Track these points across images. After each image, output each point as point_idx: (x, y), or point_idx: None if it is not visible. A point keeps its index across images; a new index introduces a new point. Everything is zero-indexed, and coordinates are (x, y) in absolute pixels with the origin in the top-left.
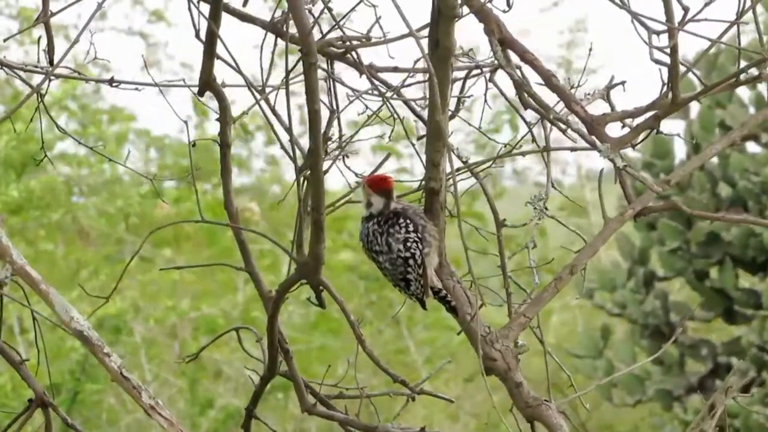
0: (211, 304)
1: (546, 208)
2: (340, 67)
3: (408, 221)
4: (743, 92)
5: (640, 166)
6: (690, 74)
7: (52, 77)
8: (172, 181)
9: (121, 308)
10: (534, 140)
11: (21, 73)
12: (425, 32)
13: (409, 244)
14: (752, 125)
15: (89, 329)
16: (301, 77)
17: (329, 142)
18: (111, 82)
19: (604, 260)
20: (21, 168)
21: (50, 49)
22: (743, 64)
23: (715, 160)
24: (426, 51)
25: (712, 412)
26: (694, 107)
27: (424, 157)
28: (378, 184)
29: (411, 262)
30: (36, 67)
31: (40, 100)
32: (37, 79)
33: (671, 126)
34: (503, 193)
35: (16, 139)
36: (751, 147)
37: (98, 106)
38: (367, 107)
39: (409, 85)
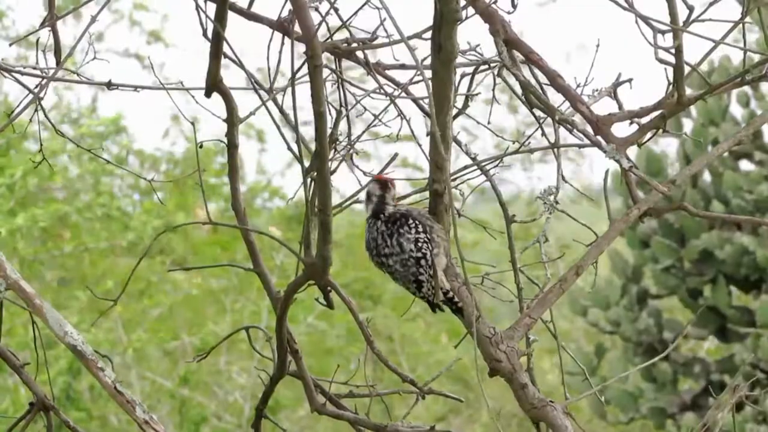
0: (193, 333)
1: (556, 203)
2: (346, 64)
3: (417, 222)
4: (736, 110)
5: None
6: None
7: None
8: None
9: (96, 339)
10: (544, 134)
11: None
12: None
13: (420, 244)
14: (759, 125)
15: (83, 344)
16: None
17: (337, 142)
18: (109, 84)
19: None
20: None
21: (57, 51)
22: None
23: (708, 178)
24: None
25: (704, 429)
26: (687, 125)
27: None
28: (378, 178)
29: (423, 262)
30: (34, 69)
31: (38, 103)
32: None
33: (665, 143)
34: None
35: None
36: (744, 165)
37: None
38: (365, 109)
39: (417, 82)
